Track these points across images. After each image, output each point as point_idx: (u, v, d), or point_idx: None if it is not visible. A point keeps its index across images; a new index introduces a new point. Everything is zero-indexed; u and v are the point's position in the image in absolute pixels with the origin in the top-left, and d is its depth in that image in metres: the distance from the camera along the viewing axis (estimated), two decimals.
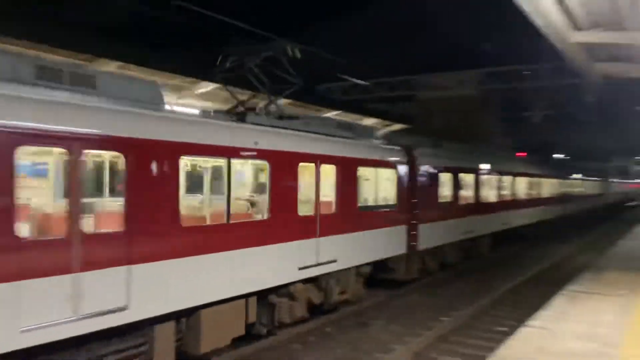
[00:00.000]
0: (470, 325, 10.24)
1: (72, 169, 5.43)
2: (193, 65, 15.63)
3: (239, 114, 8.49)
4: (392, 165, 11.82)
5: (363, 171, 10.59)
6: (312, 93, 27.17)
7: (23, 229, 5.16)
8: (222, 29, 11.37)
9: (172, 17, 11.31)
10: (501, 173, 19.18)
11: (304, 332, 9.24)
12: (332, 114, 14.79)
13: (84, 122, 5.58)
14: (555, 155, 60.94)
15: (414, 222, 12.46)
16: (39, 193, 6.26)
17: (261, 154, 8.00)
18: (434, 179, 13.85)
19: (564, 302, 7.12)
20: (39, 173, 6.41)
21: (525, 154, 34.48)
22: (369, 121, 17.22)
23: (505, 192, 19.65)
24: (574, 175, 33.68)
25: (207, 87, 15.79)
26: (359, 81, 23.90)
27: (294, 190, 8.61)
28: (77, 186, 5.46)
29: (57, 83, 5.77)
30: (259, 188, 8.64)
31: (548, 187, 25.68)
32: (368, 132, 12.03)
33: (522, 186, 21.72)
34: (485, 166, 17.64)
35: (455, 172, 15.25)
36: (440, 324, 9.84)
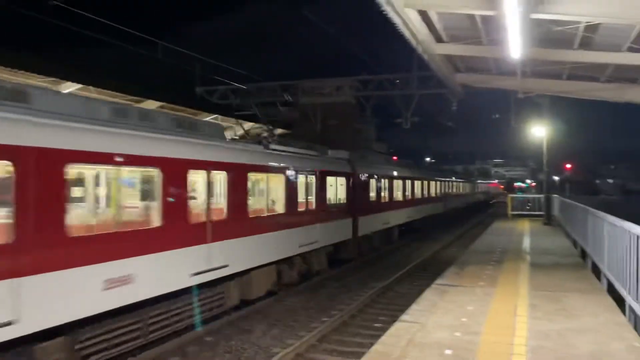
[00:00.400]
0: (351, 324, 10.57)
1: None
2: (59, 65, 14.56)
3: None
4: (343, 174, 16.20)
5: (330, 179, 15.14)
6: (191, 96, 26.40)
7: None
8: (98, 30, 10.85)
9: (45, 18, 10.57)
10: (404, 178, 24.24)
11: (183, 342, 8.90)
12: (209, 118, 14.45)
13: None
14: (427, 159, 65.49)
15: (355, 215, 16.80)
16: None
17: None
18: (365, 184, 18.20)
19: (433, 296, 7.61)
20: None
21: (396, 158, 36.96)
22: (248, 125, 17.11)
23: (408, 193, 24.78)
24: (453, 178, 40.80)
25: (72, 87, 14.63)
26: (238, 85, 23.68)
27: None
28: None
29: None
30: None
31: (435, 188, 31.39)
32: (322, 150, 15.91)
33: (418, 188, 26.90)
34: (394, 172, 22.62)
35: (376, 177, 19.73)
36: (321, 325, 10.01)
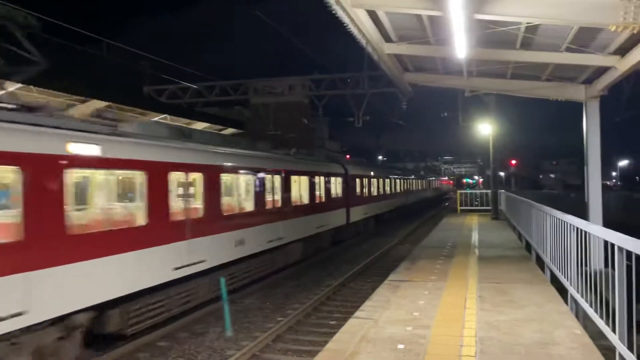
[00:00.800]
0: (306, 322, 10.59)
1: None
2: None
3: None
4: (339, 175, 21.05)
5: (333, 179, 20.18)
6: (139, 96, 25.73)
7: None
8: (40, 27, 10.38)
9: None
10: (378, 177, 28.73)
11: (133, 349, 8.67)
12: (158, 118, 14.13)
13: None
14: (379, 157, 66.40)
15: (348, 205, 21.69)
16: None
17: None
18: (354, 182, 23.02)
19: (386, 292, 7.72)
20: None
21: (349, 156, 37.60)
22: (200, 125, 16.83)
23: (381, 188, 29.53)
24: (412, 176, 46.48)
25: (12, 87, 13.95)
26: (188, 84, 23.26)
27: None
28: None
29: None
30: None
31: (400, 184, 36.56)
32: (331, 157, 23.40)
33: (388, 184, 31.81)
34: (371, 172, 27.59)
35: (360, 178, 24.47)
36: (277, 325, 9.98)
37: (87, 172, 8.01)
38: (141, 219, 8.73)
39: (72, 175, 7.35)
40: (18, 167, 6.40)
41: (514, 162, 57.72)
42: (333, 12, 8.45)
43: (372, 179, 27.11)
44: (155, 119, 14.64)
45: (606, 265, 4.60)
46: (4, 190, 6.87)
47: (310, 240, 17.21)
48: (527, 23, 8.88)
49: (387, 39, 11.26)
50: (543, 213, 8.76)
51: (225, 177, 11.68)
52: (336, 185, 20.48)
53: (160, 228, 9.09)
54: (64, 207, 7.07)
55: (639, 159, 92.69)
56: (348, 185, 21.77)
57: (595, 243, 5.45)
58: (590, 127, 12.52)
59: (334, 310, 11.51)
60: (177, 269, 9.46)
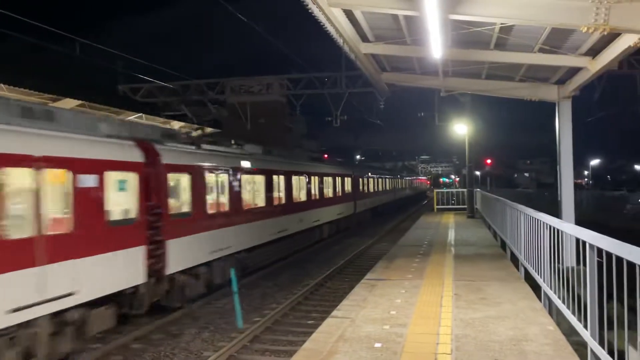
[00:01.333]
0: (283, 322, 10.55)
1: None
2: None
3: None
4: (349, 176, 27.15)
5: (346, 179, 26.57)
6: (113, 94, 25.32)
7: None
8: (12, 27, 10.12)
9: None
10: (374, 176, 35.59)
11: (108, 350, 8.52)
12: (133, 117, 13.90)
13: None
14: (357, 157, 66.64)
15: (355, 199, 28.18)
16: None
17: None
18: (358, 181, 29.39)
19: (363, 291, 7.73)
20: None
21: (327, 156, 37.96)
22: (176, 125, 16.61)
23: (377, 186, 36.46)
24: (398, 175, 53.39)
25: None
26: (163, 83, 22.97)
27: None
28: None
29: None
30: None
31: (389, 183, 43.46)
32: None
33: (381, 183, 38.48)
34: (369, 173, 34.16)
35: (363, 177, 31.02)
36: (253, 325, 9.92)
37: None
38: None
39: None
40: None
41: (489, 161, 58.48)
42: (309, 10, 8.42)
43: (370, 179, 33.48)
44: (130, 118, 14.40)
45: (578, 263, 4.68)
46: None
47: (334, 223, 24.14)
48: (501, 24, 9.00)
49: (364, 38, 11.28)
50: (517, 211, 8.88)
51: (294, 178, 18.41)
52: (348, 184, 26.85)
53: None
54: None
55: (610, 158, 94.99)
56: (355, 183, 28.46)
57: (567, 241, 5.54)
58: (563, 127, 12.75)
59: (312, 310, 11.49)
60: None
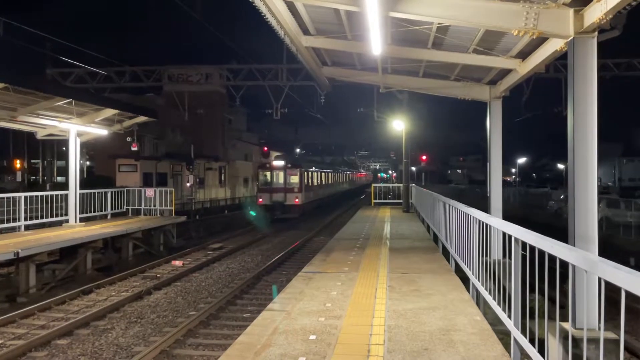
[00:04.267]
0: (219, 316, 10.42)
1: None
2: None
3: None
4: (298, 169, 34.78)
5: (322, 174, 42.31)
6: (40, 78, 23.93)
7: None
8: None
9: None
10: (320, 171, 40.03)
11: (27, 348, 8.08)
12: (62, 103, 13.18)
13: None
14: (297, 150, 66.62)
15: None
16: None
17: None
18: (305, 175, 32.86)
19: (300, 283, 7.75)
20: None
21: (266, 149, 37.99)
22: (109, 112, 15.86)
23: (322, 181, 40.81)
24: (340, 170, 57.16)
25: None
26: (95, 69, 21.95)
27: None
28: None
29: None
30: None
31: (338, 177, 51.28)
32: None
33: (325, 178, 42.63)
34: (313, 168, 36.99)
35: (309, 172, 34.50)
36: (187, 319, 9.73)
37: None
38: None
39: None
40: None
41: (424, 157, 60.18)
42: (250, 0, 8.30)
43: (314, 173, 37.19)
44: (59, 103, 13.63)
45: (504, 256, 4.89)
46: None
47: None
48: (439, 24, 9.24)
49: (306, 31, 11.26)
50: (449, 206, 9.18)
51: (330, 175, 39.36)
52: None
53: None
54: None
55: (536, 157, 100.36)
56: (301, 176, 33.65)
57: (495, 235, 5.78)
58: (493, 126, 13.29)
59: (248, 304, 11.42)
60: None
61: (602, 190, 39.88)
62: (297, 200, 30.34)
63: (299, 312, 6.13)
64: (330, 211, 35.62)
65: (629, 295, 2.41)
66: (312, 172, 35.63)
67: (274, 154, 42.95)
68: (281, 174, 30.33)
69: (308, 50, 12.28)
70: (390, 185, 32.68)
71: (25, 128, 16.21)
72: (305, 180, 32.15)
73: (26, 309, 10.20)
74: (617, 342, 3.12)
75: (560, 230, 7.42)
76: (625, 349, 9.29)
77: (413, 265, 9.16)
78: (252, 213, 29.70)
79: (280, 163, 31.05)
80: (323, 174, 41.50)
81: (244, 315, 10.32)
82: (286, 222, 28.26)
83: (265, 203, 30.12)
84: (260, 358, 4.62)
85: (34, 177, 46.13)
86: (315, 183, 36.59)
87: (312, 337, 5.20)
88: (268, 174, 30.70)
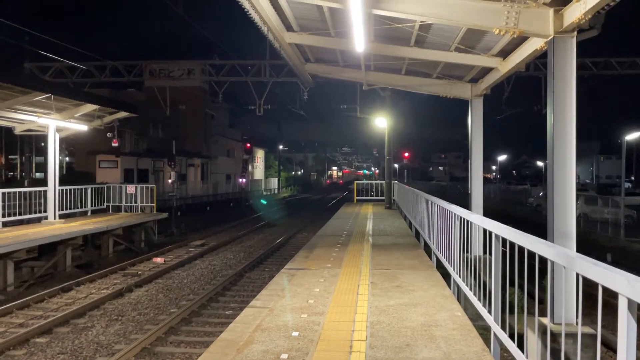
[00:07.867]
0: (201, 313, 10.36)
1: None
2: None
3: None
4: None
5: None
6: (20, 72, 23.49)
7: None
8: None
9: None
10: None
11: (7, 344, 7.95)
12: (41, 98, 12.95)
13: None
14: (280, 147, 66.65)
15: None
16: None
17: None
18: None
19: (283, 280, 7.75)
20: None
21: (249, 145, 37.38)
22: (89, 107, 15.62)
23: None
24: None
25: None
26: (75, 64, 21.61)
27: None
28: None
29: None
30: None
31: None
32: None
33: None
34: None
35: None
36: (169, 317, 9.66)
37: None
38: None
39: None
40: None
41: (406, 154, 60.54)
42: None
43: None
44: (38, 98, 13.39)
45: (485, 252, 4.95)
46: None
47: None
48: (421, 21, 9.29)
49: (289, 27, 11.23)
50: (431, 203, 9.26)
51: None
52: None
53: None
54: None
55: (516, 155, 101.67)
56: None
57: (476, 231, 5.85)
58: (474, 124, 13.42)
59: (230, 301, 11.38)
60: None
61: (580, 188, 40.60)
62: None
63: (282, 309, 6.13)
64: (314, 208, 35.60)
65: (605, 290, 2.46)
66: None
67: (257, 150, 42.55)
68: None
69: (291, 46, 12.25)
70: (373, 182, 32.81)
71: (2, 123, 15.91)
72: None
73: (4, 307, 10.02)
74: (594, 336, 3.19)
75: (540, 226, 7.54)
76: (602, 343, 9.49)
77: (395, 262, 9.22)
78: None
79: None
80: None
81: (227, 313, 10.28)
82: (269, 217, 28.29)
83: None
84: (243, 355, 4.61)
85: (11, 173, 45.33)
86: None
87: (295, 333, 5.21)
88: None
